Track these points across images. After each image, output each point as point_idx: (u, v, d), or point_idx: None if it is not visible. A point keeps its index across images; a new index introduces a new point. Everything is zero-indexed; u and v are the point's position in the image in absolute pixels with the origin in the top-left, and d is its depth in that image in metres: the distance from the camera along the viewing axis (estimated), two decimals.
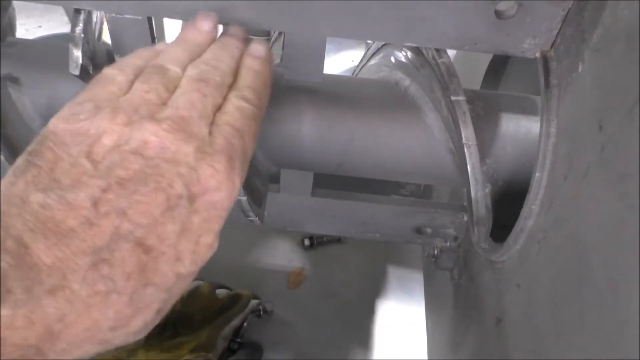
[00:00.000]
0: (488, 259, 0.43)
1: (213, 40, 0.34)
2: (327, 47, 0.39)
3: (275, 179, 0.53)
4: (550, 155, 0.34)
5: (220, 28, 0.36)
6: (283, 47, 0.40)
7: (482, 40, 0.37)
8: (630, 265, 0.24)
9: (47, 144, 0.26)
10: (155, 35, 0.40)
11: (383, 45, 0.53)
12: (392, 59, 0.48)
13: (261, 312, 0.85)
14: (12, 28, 0.45)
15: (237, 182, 0.29)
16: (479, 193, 0.41)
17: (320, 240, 0.99)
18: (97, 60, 0.40)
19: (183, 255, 0.27)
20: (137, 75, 0.30)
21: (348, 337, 0.87)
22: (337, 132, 0.43)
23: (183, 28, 0.35)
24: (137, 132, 0.27)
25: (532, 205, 0.35)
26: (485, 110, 0.43)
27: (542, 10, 0.34)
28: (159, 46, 0.34)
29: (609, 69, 0.28)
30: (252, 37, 0.36)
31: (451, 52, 0.42)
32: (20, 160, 0.26)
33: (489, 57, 0.60)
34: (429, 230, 0.55)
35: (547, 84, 0.35)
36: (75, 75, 0.38)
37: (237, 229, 0.89)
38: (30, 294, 0.22)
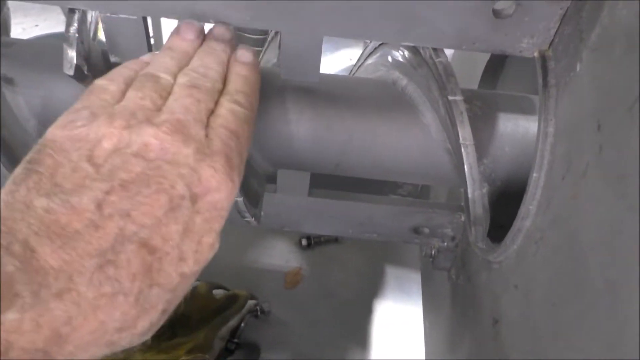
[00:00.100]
0: (485, 259, 0.42)
1: (199, 46, 0.35)
2: (325, 45, 0.39)
3: (272, 179, 0.53)
4: (548, 155, 0.34)
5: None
6: (279, 47, 0.40)
7: (480, 39, 0.36)
8: (628, 266, 0.24)
9: (46, 151, 0.27)
10: (150, 34, 0.40)
11: (380, 45, 0.52)
12: (390, 59, 0.48)
13: (258, 313, 0.85)
14: (6, 28, 0.45)
15: (236, 182, 0.30)
16: (476, 193, 0.41)
17: (318, 240, 0.99)
18: (92, 60, 0.40)
19: (186, 255, 0.27)
20: (128, 84, 0.31)
21: (346, 337, 0.87)
22: (334, 132, 0.43)
23: (169, 37, 0.36)
24: (137, 135, 0.27)
25: (530, 205, 0.35)
26: (483, 109, 0.43)
27: (540, 9, 0.34)
28: (145, 57, 0.35)
29: (608, 69, 0.28)
30: (243, 34, 0.36)
31: (449, 51, 0.42)
32: (19, 169, 0.26)
33: (487, 56, 0.59)
34: (426, 230, 0.55)
35: (545, 84, 0.35)
36: (70, 76, 0.38)
37: (235, 229, 0.89)
38: (38, 298, 0.22)
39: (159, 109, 0.30)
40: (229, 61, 0.35)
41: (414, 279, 0.92)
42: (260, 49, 1.06)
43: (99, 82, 0.31)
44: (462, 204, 0.51)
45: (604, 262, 0.26)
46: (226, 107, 0.31)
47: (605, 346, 0.25)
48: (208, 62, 0.33)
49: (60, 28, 0.38)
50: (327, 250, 0.98)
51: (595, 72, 0.30)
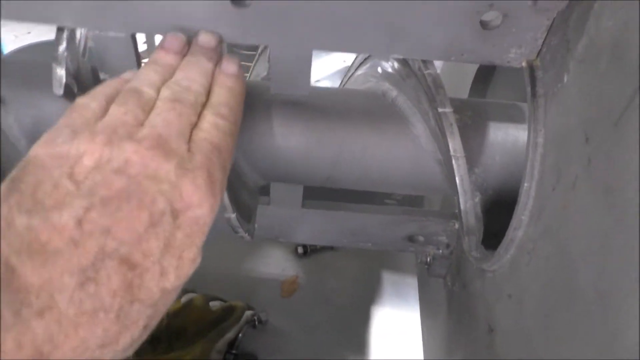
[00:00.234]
0: (480, 268, 0.42)
1: (183, 57, 0.35)
2: None
3: (265, 190, 0.53)
4: (538, 166, 0.34)
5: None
6: (269, 61, 0.40)
7: (468, 51, 0.37)
8: (618, 277, 0.24)
9: (28, 168, 0.27)
10: (145, 48, 0.40)
11: (370, 56, 0.53)
12: (379, 70, 0.48)
13: (256, 323, 0.85)
14: None
15: (218, 196, 0.30)
16: (469, 203, 0.41)
17: (314, 247, 0.98)
18: (82, 77, 0.40)
19: (167, 271, 0.27)
20: (109, 101, 0.31)
21: (344, 344, 0.86)
22: (325, 145, 0.43)
23: (155, 50, 0.35)
24: (118, 151, 0.27)
25: (522, 215, 0.35)
26: (473, 119, 0.43)
27: (527, 20, 0.34)
28: (125, 75, 0.35)
29: (594, 81, 0.28)
30: (233, 48, 0.36)
31: (438, 61, 0.42)
32: (2, 187, 0.26)
33: (477, 64, 0.60)
34: (421, 238, 0.55)
35: (534, 94, 0.35)
36: (60, 95, 0.38)
37: (230, 239, 0.89)
38: (19, 317, 0.22)
39: (141, 124, 0.29)
40: (214, 71, 0.35)
41: (411, 284, 0.92)
42: (250, 64, 1.06)
43: (81, 100, 0.31)
44: (456, 211, 0.52)
45: (595, 273, 0.26)
46: (209, 121, 0.31)
47: (597, 355, 0.25)
48: (192, 74, 0.33)
49: (53, 35, 0.38)
50: (323, 258, 0.98)
51: (582, 83, 0.30)
